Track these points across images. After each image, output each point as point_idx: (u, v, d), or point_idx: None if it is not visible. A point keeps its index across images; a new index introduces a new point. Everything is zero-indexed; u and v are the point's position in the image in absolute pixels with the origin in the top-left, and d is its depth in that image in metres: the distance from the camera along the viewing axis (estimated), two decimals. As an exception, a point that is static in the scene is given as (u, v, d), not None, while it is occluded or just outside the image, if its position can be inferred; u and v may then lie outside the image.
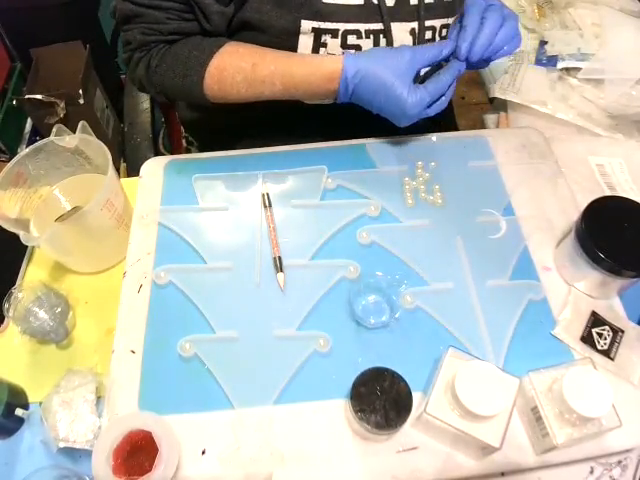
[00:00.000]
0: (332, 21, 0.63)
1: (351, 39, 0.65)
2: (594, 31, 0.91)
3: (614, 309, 0.59)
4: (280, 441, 0.50)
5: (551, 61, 0.89)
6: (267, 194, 0.66)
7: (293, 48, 0.65)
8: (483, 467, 0.49)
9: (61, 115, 1.43)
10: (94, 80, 1.55)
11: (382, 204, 0.66)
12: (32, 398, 0.59)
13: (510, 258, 0.61)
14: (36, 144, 0.65)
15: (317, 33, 0.64)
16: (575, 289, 0.60)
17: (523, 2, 0.99)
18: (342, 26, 0.63)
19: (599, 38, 0.89)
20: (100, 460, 0.46)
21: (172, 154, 0.78)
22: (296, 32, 0.64)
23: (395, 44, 0.66)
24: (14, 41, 1.56)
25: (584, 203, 0.58)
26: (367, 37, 0.65)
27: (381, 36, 0.66)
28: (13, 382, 0.58)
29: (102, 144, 0.65)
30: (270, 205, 0.65)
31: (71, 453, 0.55)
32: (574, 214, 0.64)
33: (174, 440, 0.48)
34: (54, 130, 0.66)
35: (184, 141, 0.93)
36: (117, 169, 0.66)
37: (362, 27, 0.64)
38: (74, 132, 0.66)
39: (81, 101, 1.44)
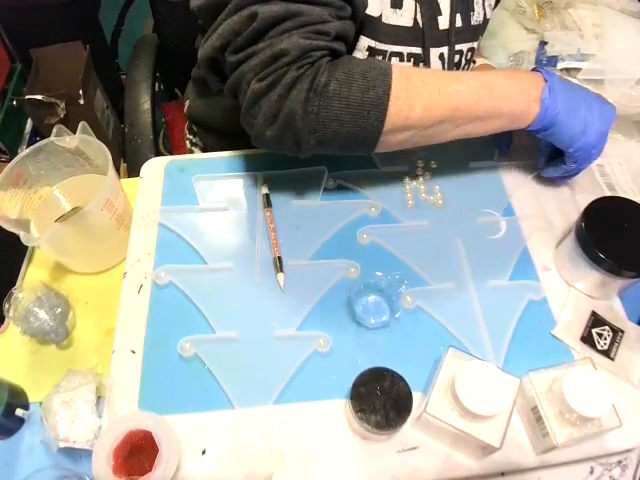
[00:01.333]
0: (385, 42, 0.62)
1: (394, 61, 0.65)
2: (594, 32, 0.91)
3: (614, 309, 0.59)
4: (280, 441, 0.50)
5: (551, 61, 0.89)
6: (267, 194, 0.66)
7: None
8: (483, 467, 0.49)
9: (61, 115, 1.43)
10: (94, 80, 1.55)
11: (382, 204, 0.66)
12: (32, 398, 0.59)
13: (510, 258, 0.61)
14: (36, 144, 0.65)
15: (371, 52, 0.63)
16: (575, 289, 0.60)
17: (523, 2, 0.99)
18: (390, 48, 0.63)
19: (599, 39, 0.89)
20: (100, 460, 0.46)
21: (172, 154, 0.78)
22: (352, 46, 0.62)
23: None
24: (14, 41, 1.56)
25: (584, 203, 0.58)
26: (408, 60, 0.65)
27: (420, 61, 0.66)
28: (13, 382, 0.58)
29: (102, 144, 0.65)
30: (270, 205, 0.65)
31: (71, 453, 0.55)
32: (574, 214, 0.64)
33: (174, 440, 0.48)
34: (54, 130, 0.66)
35: (187, 142, 0.93)
36: (117, 169, 0.67)
37: (405, 50, 0.64)
38: (74, 132, 0.66)
39: (81, 101, 1.44)
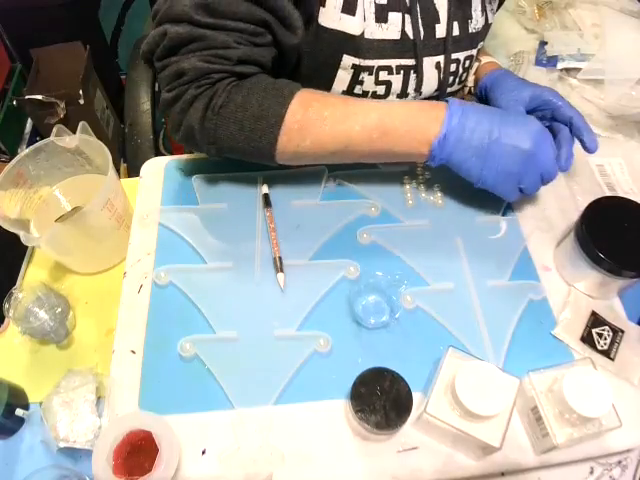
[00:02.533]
0: (370, 58, 0.62)
1: (382, 75, 0.64)
2: (594, 31, 0.91)
3: (614, 309, 0.59)
4: (280, 441, 0.50)
5: (551, 61, 0.89)
6: (267, 194, 0.66)
7: (329, 81, 0.65)
8: (483, 467, 0.49)
9: (61, 115, 1.43)
10: (94, 80, 1.55)
11: (382, 204, 0.66)
12: (32, 398, 0.59)
13: (510, 258, 0.61)
14: (36, 144, 0.65)
15: (356, 70, 0.63)
16: (575, 289, 0.60)
17: (523, 2, 0.99)
18: (376, 62, 0.63)
19: (599, 39, 0.89)
20: (100, 460, 0.46)
21: (172, 154, 0.77)
22: (335, 65, 0.63)
23: (424, 78, 0.66)
24: (14, 41, 1.56)
25: (584, 203, 0.58)
26: (397, 73, 0.65)
27: (411, 72, 0.65)
28: (13, 382, 0.58)
29: (102, 144, 0.65)
30: (270, 205, 0.65)
31: (71, 453, 0.55)
32: (574, 214, 0.64)
33: (174, 440, 0.48)
34: (54, 130, 0.66)
35: None
36: (117, 169, 0.67)
37: (394, 63, 0.64)
38: (74, 132, 0.66)
39: (81, 101, 1.44)
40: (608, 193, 0.73)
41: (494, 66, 0.75)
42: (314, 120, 0.56)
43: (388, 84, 0.65)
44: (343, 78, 0.64)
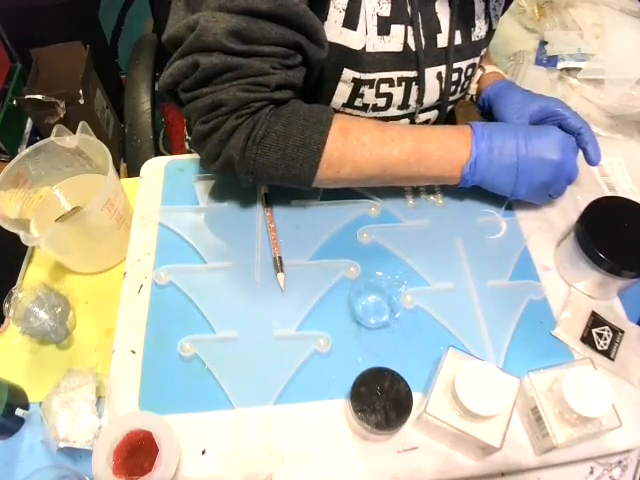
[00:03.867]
0: (371, 72, 0.62)
1: (383, 87, 0.64)
2: (594, 31, 0.91)
3: (614, 309, 0.59)
4: (280, 441, 0.50)
5: (551, 61, 0.89)
6: (267, 194, 0.66)
7: (330, 94, 0.64)
8: (483, 467, 0.49)
9: (61, 115, 1.43)
10: (94, 80, 1.55)
11: (382, 204, 0.66)
12: (32, 398, 0.59)
13: (510, 258, 0.61)
14: (36, 144, 0.65)
15: (357, 83, 0.63)
16: (575, 289, 0.60)
17: (523, 2, 0.99)
18: (377, 75, 0.63)
19: (599, 38, 0.89)
20: (100, 460, 0.46)
21: (172, 154, 0.77)
22: (336, 79, 0.63)
23: (426, 89, 0.66)
24: (14, 41, 1.56)
25: (584, 203, 0.58)
26: (399, 85, 0.65)
27: (413, 83, 0.65)
28: (13, 382, 0.58)
29: (102, 144, 0.65)
30: (270, 205, 0.65)
31: (71, 453, 0.55)
32: (574, 214, 0.64)
33: (174, 440, 0.48)
34: (54, 130, 0.66)
35: (187, 144, 0.93)
36: (117, 169, 0.67)
37: (395, 75, 0.64)
38: (74, 132, 0.66)
39: (81, 101, 1.44)
40: (608, 193, 0.73)
41: (498, 77, 0.75)
42: (354, 147, 0.56)
43: (389, 96, 0.65)
44: (343, 91, 0.64)
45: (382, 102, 0.66)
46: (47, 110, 1.42)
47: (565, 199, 0.67)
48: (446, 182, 0.62)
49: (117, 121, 1.69)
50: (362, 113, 0.67)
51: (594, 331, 0.57)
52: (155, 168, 0.71)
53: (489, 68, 0.76)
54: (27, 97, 1.40)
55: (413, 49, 0.63)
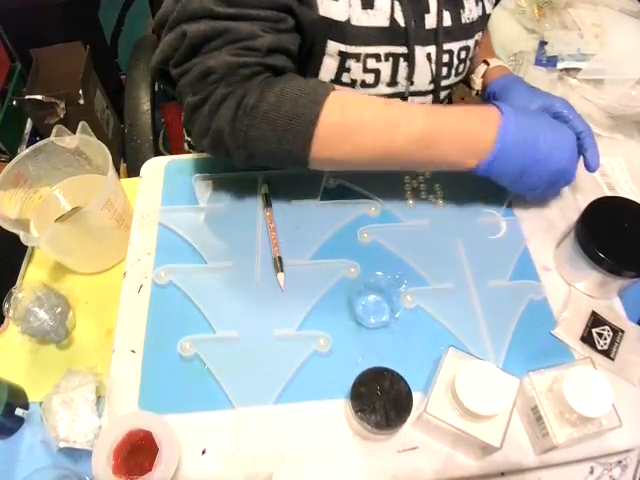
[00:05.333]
0: (356, 45, 0.61)
1: (370, 63, 0.63)
2: (594, 31, 0.91)
3: (614, 309, 0.59)
4: (280, 441, 0.50)
5: (551, 61, 0.89)
6: (267, 194, 0.66)
7: (316, 69, 0.63)
8: (483, 467, 0.49)
9: (61, 115, 1.43)
10: (94, 80, 1.55)
11: (382, 204, 0.66)
12: (32, 398, 0.59)
13: (510, 258, 0.61)
14: (36, 144, 0.65)
15: (343, 56, 0.62)
16: (575, 289, 0.60)
17: (523, 2, 0.99)
18: (363, 50, 0.62)
19: (599, 38, 0.89)
20: (100, 460, 0.46)
21: (172, 154, 0.77)
22: (321, 52, 0.62)
23: (415, 69, 0.66)
24: (14, 41, 1.56)
25: (584, 203, 0.58)
26: (386, 60, 0.64)
27: (401, 59, 0.64)
28: (13, 382, 0.58)
29: (102, 144, 0.65)
30: (270, 205, 0.65)
31: (71, 453, 0.55)
32: (574, 214, 0.64)
33: (174, 440, 0.48)
34: (54, 130, 0.66)
35: (186, 145, 0.93)
36: (117, 169, 0.67)
37: (382, 50, 0.63)
38: (74, 132, 0.66)
39: (81, 101, 1.44)
40: (608, 193, 0.73)
41: (504, 71, 0.74)
42: (353, 124, 0.53)
43: (376, 72, 0.64)
44: (330, 65, 0.63)
45: (370, 78, 0.64)
46: (47, 110, 1.43)
47: (565, 199, 0.67)
48: (458, 170, 0.58)
49: (117, 121, 1.69)
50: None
51: (594, 331, 0.57)
52: (155, 168, 0.71)
53: (494, 62, 0.75)
54: (27, 97, 1.40)
55: (402, 25, 0.62)
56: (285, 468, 0.49)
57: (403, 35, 0.62)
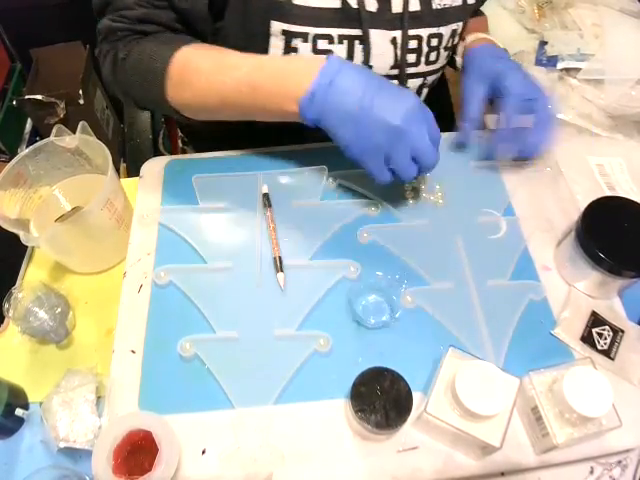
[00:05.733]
0: (302, 24, 0.61)
1: (322, 44, 0.62)
2: (594, 31, 0.91)
3: (614, 309, 0.59)
4: (280, 441, 0.50)
5: (551, 61, 0.89)
6: (267, 194, 0.66)
7: (264, 50, 0.64)
8: (483, 467, 0.49)
9: (61, 115, 1.43)
10: (94, 80, 1.55)
11: (382, 204, 0.66)
12: (32, 398, 0.59)
13: (510, 258, 0.61)
14: (36, 144, 0.65)
15: (287, 36, 0.62)
16: (575, 289, 0.60)
17: (523, 2, 0.99)
18: (312, 30, 0.61)
19: (599, 38, 0.89)
20: (100, 460, 0.46)
21: (172, 154, 0.78)
22: (266, 32, 0.62)
23: (373, 51, 0.64)
24: (14, 41, 1.56)
25: (584, 203, 0.58)
26: (340, 42, 0.63)
27: (357, 42, 0.63)
28: (13, 382, 0.58)
29: (102, 144, 0.65)
30: (270, 205, 0.65)
31: (71, 453, 0.55)
32: (574, 214, 0.64)
33: (174, 440, 0.48)
34: (54, 130, 0.66)
35: (180, 141, 0.93)
36: (117, 169, 0.66)
37: (335, 32, 0.62)
38: (74, 132, 0.66)
39: (81, 101, 1.44)
40: (608, 193, 0.73)
41: (483, 42, 0.73)
42: (191, 73, 0.59)
43: (330, 54, 0.63)
44: (277, 45, 0.63)
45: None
46: (47, 110, 1.43)
47: (565, 199, 0.67)
48: (288, 118, 0.58)
49: (117, 121, 1.69)
50: None
51: (594, 331, 0.57)
52: (155, 168, 0.71)
53: (472, 37, 0.74)
54: (27, 97, 1.40)
55: (354, 6, 0.61)
56: (285, 468, 0.49)
57: (356, 17, 0.62)
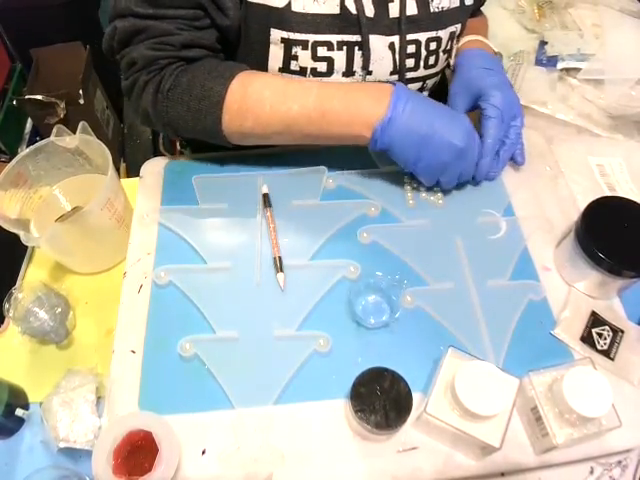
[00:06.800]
0: (301, 32, 0.61)
1: (321, 51, 0.63)
2: (594, 31, 0.91)
3: (614, 309, 0.59)
4: (280, 441, 0.50)
5: (551, 61, 0.89)
6: (267, 194, 0.66)
7: (264, 58, 0.64)
8: (483, 467, 0.49)
9: (61, 115, 1.43)
10: (94, 80, 1.55)
11: (382, 204, 0.66)
12: (32, 398, 0.59)
13: (510, 258, 0.61)
14: (36, 144, 0.65)
15: (287, 44, 0.62)
16: (575, 289, 0.60)
17: (523, 2, 0.99)
18: (311, 37, 0.62)
19: (599, 38, 0.89)
20: (100, 460, 0.46)
21: (172, 154, 0.78)
22: (266, 41, 0.62)
23: (372, 57, 0.65)
24: (14, 41, 1.56)
25: (584, 203, 0.58)
26: (339, 49, 0.63)
27: (356, 48, 0.63)
28: (13, 382, 0.58)
29: (102, 144, 0.65)
30: (270, 205, 0.65)
31: (71, 453, 0.55)
32: (574, 214, 0.64)
33: (174, 440, 0.48)
34: (54, 130, 0.66)
35: (178, 144, 0.93)
36: (117, 169, 0.67)
37: (334, 38, 0.62)
38: (74, 132, 0.66)
39: (81, 101, 1.44)
40: (608, 193, 0.73)
41: (475, 44, 0.73)
42: (254, 100, 0.59)
43: (329, 61, 0.64)
44: (276, 54, 0.63)
45: (322, 67, 0.64)
46: (47, 110, 1.42)
47: (565, 199, 0.67)
48: (356, 142, 0.61)
49: (117, 121, 1.69)
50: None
51: (594, 331, 0.57)
52: (155, 168, 0.71)
53: (467, 38, 0.74)
54: (27, 97, 1.40)
55: (353, 12, 0.61)
56: (285, 468, 0.49)
57: (355, 23, 0.62)
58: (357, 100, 0.59)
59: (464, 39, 0.74)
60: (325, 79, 0.65)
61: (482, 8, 0.84)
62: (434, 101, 0.61)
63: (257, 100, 0.59)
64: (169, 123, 0.62)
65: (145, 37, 0.59)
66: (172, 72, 0.60)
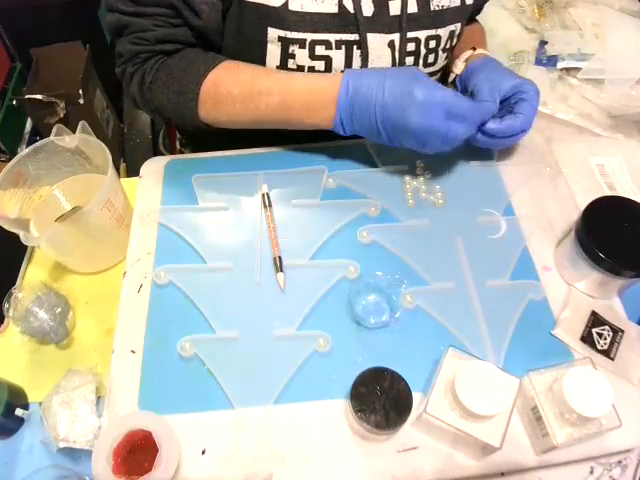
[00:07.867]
0: (298, 31, 0.61)
1: (319, 49, 0.63)
2: (594, 31, 0.91)
3: (614, 309, 0.59)
4: (280, 441, 0.50)
5: (551, 61, 0.89)
6: (267, 194, 0.66)
7: (262, 57, 0.64)
8: (483, 467, 0.49)
9: (61, 115, 1.43)
10: (94, 80, 1.55)
11: (382, 204, 0.66)
12: (32, 398, 0.59)
13: (510, 258, 0.61)
14: (36, 144, 0.65)
15: (284, 42, 0.62)
16: (575, 289, 0.60)
17: (523, 2, 0.99)
18: (309, 36, 0.62)
19: (599, 38, 0.89)
20: (100, 460, 0.46)
21: (172, 154, 0.78)
22: (263, 40, 0.63)
23: (371, 56, 0.64)
24: (14, 41, 1.56)
25: (584, 203, 0.58)
26: (338, 48, 0.63)
27: (354, 47, 0.64)
28: (13, 382, 0.58)
29: (102, 144, 0.65)
30: (270, 205, 0.65)
31: (71, 453, 0.55)
32: (574, 214, 0.64)
33: (174, 440, 0.48)
34: (54, 130, 0.66)
35: (178, 143, 0.93)
36: (117, 169, 0.67)
37: (332, 37, 0.62)
38: (74, 132, 0.66)
39: (81, 101, 1.44)
40: (608, 193, 0.73)
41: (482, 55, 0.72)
42: (224, 97, 0.62)
43: (327, 60, 0.64)
44: (274, 52, 0.64)
45: (320, 65, 0.64)
46: (47, 110, 1.43)
47: (565, 199, 0.67)
48: (321, 126, 0.63)
49: (117, 121, 1.69)
50: None
51: (594, 331, 0.57)
52: (155, 168, 0.71)
53: (480, 50, 0.73)
54: (27, 97, 1.40)
55: (351, 11, 0.61)
56: (285, 468, 0.49)
57: (353, 22, 0.62)
58: (314, 97, 0.61)
59: (469, 53, 0.73)
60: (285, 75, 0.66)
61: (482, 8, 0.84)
62: (379, 69, 0.60)
63: (227, 98, 0.62)
64: (155, 111, 0.68)
65: (128, 32, 0.64)
66: (152, 66, 0.64)
